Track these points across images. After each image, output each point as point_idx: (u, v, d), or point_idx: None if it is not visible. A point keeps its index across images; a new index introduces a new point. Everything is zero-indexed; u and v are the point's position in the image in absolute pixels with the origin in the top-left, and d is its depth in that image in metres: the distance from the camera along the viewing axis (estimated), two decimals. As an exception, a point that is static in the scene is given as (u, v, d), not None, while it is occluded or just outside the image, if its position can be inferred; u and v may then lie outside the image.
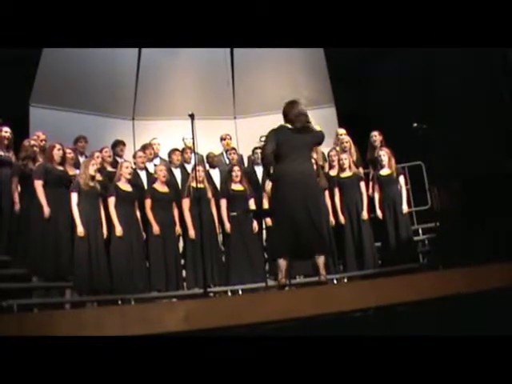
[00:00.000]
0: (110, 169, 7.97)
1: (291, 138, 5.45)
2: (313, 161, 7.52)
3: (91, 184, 7.14)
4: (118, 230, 7.15)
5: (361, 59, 9.70)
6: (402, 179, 8.07)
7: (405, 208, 7.90)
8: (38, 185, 6.92)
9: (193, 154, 7.99)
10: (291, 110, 5.58)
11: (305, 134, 5.55)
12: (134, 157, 8.17)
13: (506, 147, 9.11)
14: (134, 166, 7.92)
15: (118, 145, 8.47)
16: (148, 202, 7.53)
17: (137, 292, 7.10)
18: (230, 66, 10.64)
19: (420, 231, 8.57)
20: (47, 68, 9.16)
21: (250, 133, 9.90)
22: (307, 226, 5.30)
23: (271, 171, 5.59)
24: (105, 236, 7.16)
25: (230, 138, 9.25)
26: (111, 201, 7.26)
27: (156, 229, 7.41)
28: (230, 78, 10.68)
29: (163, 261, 7.38)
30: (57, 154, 7.15)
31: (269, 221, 7.40)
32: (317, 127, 5.70)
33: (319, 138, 5.72)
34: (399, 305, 3.56)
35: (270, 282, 6.91)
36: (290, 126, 5.54)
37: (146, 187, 7.86)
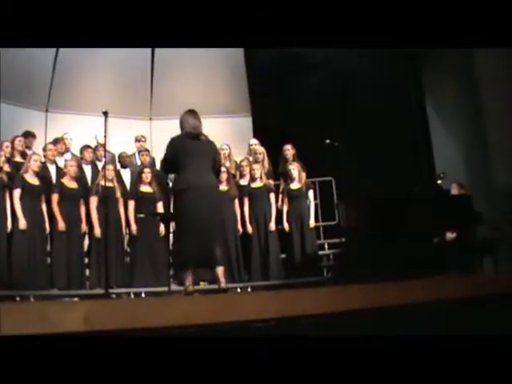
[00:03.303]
0: (18, 159, 7.73)
1: (190, 147, 5.45)
2: (224, 169, 7.63)
3: (-3, 175, 6.96)
4: (22, 224, 6.97)
5: (280, 72, 9.81)
6: (311, 194, 8.22)
7: (311, 222, 8.06)
8: None
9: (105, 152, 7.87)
10: (188, 120, 5.58)
11: (201, 142, 5.56)
12: (45, 149, 7.96)
13: (415, 170, 9.43)
14: (43, 159, 7.73)
15: (27, 136, 8.23)
16: (55, 197, 7.37)
17: (36, 289, 6.93)
18: (149, 67, 10.55)
19: (326, 246, 8.73)
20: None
21: (164, 135, 9.76)
22: (208, 238, 5.34)
23: (172, 181, 5.58)
24: (8, 229, 6.96)
25: (145, 140, 9.17)
26: (16, 193, 7.06)
27: (61, 225, 7.25)
28: (149, 79, 10.59)
29: (66, 258, 7.24)
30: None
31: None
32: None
33: (216, 150, 5.80)
34: (301, 317, 3.60)
35: (174, 287, 6.88)
36: (186, 133, 5.53)
37: (54, 181, 7.68)
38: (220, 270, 5.47)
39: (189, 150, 5.43)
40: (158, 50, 10.41)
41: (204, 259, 5.41)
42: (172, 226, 7.49)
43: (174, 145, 5.53)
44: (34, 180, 7.25)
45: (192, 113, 5.65)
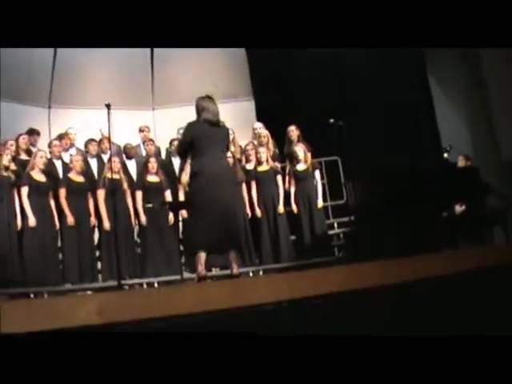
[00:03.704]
0: (24, 157, 7.74)
1: (208, 133, 5.47)
2: (230, 154, 7.62)
3: (4, 174, 6.96)
4: (31, 221, 6.99)
5: (281, 55, 9.77)
6: (317, 174, 8.21)
7: (320, 202, 8.07)
8: None
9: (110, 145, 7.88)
10: (208, 105, 5.59)
11: (219, 128, 5.59)
12: (50, 146, 7.98)
13: (421, 145, 9.40)
14: (49, 156, 7.74)
15: (31, 134, 8.24)
16: (62, 192, 7.38)
17: (50, 284, 6.96)
18: (149, 57, 10.52)
19: (335, 225, 8.72)
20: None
21: (168, 124, 9.81)
22: (223, 222, 5.36)
23: (188, 165, 5.60)
24: (19, 227, 6.98)
25: (149, 131, 9.16)
26: (24, 190, 7.08)
27: (70, 219, 7.27)
28: (150, 69, 10.57)
29: (77, 252, 7.26)
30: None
31: (185, 213, 7.37)
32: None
33: (229, 137, 5.88)
34: (313, 298, 3.60)
35: (186, 275, 6.89)
36: (205, 119, 5.54)
37: (61, 177, 7.69)
38: (233, 255, 5.50)
39: (207, 136, 5.46)
40: (156, 39, 10.37)
41: (220, 243, 5.42)
42: (181, 213, 7.50)
43: (192, 130, 5.54)
44: (40, 177, 7.26)
45: (209, 99, 5.65)
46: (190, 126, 5.59)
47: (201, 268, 5.35)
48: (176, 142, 7.95)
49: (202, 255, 5.38)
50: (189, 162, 5.80)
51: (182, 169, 7.73)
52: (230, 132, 7.83)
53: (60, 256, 7.33)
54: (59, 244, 7.39)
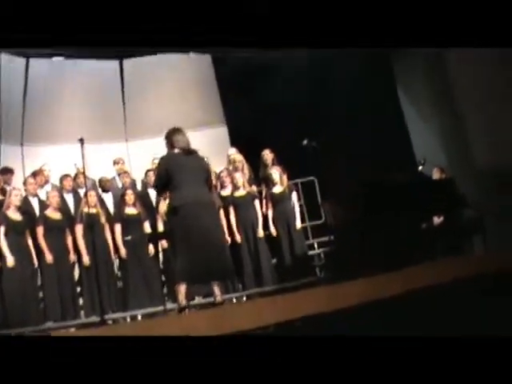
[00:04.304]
0: (-3, 197, 7.68)
1: (184, 163, 5.48)
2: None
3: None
4: (9, 261, 6.91)
5: (250, 77, 9.82)
6: (294, 195, 8.25)
7: (298, 223, 8.09)
8: None
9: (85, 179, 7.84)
10: (178, 137, 5.60)
11: (196, 158, 5.61)
12: (25, 184, 7.91)
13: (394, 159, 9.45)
14: (24, 194, 7.68)
15: (5, 173, 8.17)
16: (40, 230, 7.32)
17: (31, 324, 6.87)
18: (120, 87, 10.51)
19: (315, 245, 8.75)
20: None
21: (142, 155, 9.79)
22: (205, 255, 5.35)
23: (167, 200, 5.59)
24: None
25: (123, 163, 9.12)
26: (0, 230, 7.02)
27: (49, 257, 7.21)
28: (121, 100, 10.56)
29: (57, 290, 7.19)
30: None
31: (164, 243, 7.35)
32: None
33: (208, 165, 5.91)
34: (298, 320, 3.60)
35: (169, 305, 6.85)
36: (178, 150, 5.54)
37: (37, 214, 7.63)
38: (215, 283, 5.49)
39: (183, 167, 5.45)
40: (126, 69, 10.37)
41: (202, 275, 5.41)
42: (161, 244, 7.48)
43: (166, 162, 5.53)
44: (16, 215, 7.20)
45: (179, 130, 5.68)
46: (164, 159, 5.59)
47: (181, 299, 5.34)
48: (151, 173, 7.94)
49: (182, 287, 5.37)
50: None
51: (159, 200, 7.72)
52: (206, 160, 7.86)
53: (40, 294, 7.25)
54: (39, 282, 7.31)
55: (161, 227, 7.69)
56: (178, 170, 5.42)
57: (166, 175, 5.45)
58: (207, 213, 5.46)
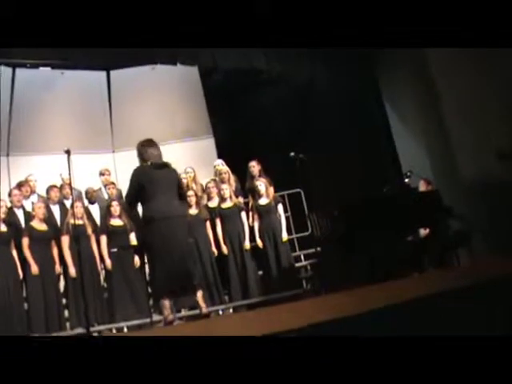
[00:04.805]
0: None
1: (156, 176, 5.47)
2: (192, 192, 7.62)
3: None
4: (-6, 273, 6.87)
5: (238, 87, 9.86)
6: (280, 207, 8.25)
7: (284, 235, 8.09)
8: None
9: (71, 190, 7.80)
10: (149, 150, 5.58)
11: (167, 170, 5.60)
12: (10, 195, 7.87)
13: (382, 172, 9.51)
14: (9, 205, 7.63)
15: (-10, 184, 8.14)
16: (25, 241, 7.26)
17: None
18: (107, 98, 10.49)
19: (302, 257, 8.74)
20: None
21: (129, 166, 9.72)
22: (180, 266, 5.37)
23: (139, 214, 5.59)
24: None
25: (110, 174, 9.09)
26: (-15, 242, 6.98)
27: (34, 269, 7.15)
28: (108, 111, 10.54)
29: (43, 301, 7.13)
30: None
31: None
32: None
33: (178, 176, 5.82)
34: (285, 332, 3.59)
35: (155, 317, 6.82)
36: (150, 163, 5.53)
37: (23, 226, 7.58)
38: (199, 294, 5.49)
39: (154, 180, 5.44)
40: (113, 80, 10.35)
41: (181, 286, 5.42)
42: (147, 256, 7.45)
43: (138, 176, 5.51)
44: (1, 227, 7.15)
45: (151, 142, 5.66)
46: (136, 172, 5.56)
47: (167, 313, 5.32)
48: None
49: (166, 301, 5.36)
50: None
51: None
52: (187, 169, 7.86)
53: (25, 306, 7.19)
54: (24, 294, 7.25)
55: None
56: (149, 183, 5.42)
57: (138, 189, 5.45)
58: (177, 226, 5.45)
